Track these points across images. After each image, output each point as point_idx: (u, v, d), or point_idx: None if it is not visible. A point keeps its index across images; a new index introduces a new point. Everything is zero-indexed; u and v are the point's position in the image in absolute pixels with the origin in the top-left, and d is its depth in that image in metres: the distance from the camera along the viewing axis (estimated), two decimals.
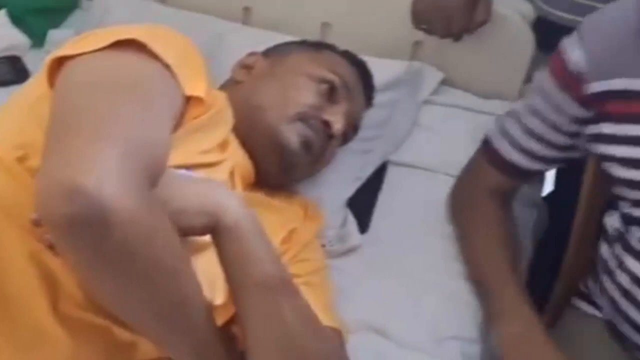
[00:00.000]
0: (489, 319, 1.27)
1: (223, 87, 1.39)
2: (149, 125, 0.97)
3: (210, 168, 1.14)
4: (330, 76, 1.34)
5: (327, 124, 1.30)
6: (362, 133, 1.48)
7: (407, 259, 1.39)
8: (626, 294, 1.20)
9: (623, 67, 1.14)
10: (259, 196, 1.28)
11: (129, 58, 1.06)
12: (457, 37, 1.53)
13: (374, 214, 1.48)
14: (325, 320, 1.13)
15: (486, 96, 1.60)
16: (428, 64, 1.64)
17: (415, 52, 1.64)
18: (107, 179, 0.85)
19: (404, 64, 1.61)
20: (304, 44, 1.46)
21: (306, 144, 1.29)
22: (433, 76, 1.63)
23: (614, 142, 1.18)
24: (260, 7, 1.74)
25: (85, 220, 0.83)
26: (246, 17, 1.75)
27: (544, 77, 1.25)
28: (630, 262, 1.20)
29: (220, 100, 1.22)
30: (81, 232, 0.84)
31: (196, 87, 1.11)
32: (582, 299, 1.37)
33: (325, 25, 1.69)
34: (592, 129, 1.20)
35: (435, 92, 1.63)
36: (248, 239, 0.99)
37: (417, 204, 1.47)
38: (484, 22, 1.50)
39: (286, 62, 1.37)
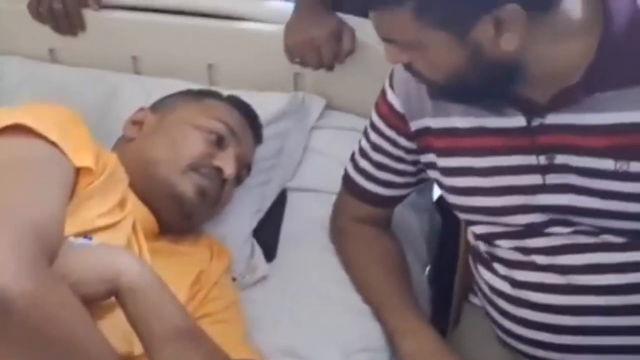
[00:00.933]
0: (389, 337, 1.37)
1: (116, 146, 1.46)
2: (40, 204, 1.04)
3: (111, 229, 1.21)
4: (216, 124, 1.41)
5: (219, 170, 1.39)
6: (259, 165, 1.58)
7: (313, 280, 1.48)
8: (489, 301, 1.33)
9: (426, 108, 1.27)
10: (164, 245, 1.36)
11: (15, 142, 1.13)
12: (329, 67, 1.63)
13: (280, 240, 1.58)
14: (241, 353, 1.23)
15: (368, 116, 1.71)
16: (311, 92, 1.74)
17: (297, 82, 1.75)
18: (3, 266, 0.91)
19: (288, 95, 1.71)
20: (188, 94, 1.53)
21: (201, 192, 1.37)
22: (317, 103, 1.74)
23: (439, 172, 1.30)
24: (147, 55, 1.82)
25: None
26: (136, 66, 1.83)
27: (375, 117, 1.38)
28: (485, 273, 1.32)
29: (112, 161, 1.29)
30: None
31: (84, 157, 1.18)
32: (475, 293, 1.47)
33: (210, 67, 1.78)
34: (423, 158, 1.33)
35: (321, 117, 1.74)
36: (150, 298, 1.08)
37: (317, 226, 1.56)
38: (350, 52, 1.61)
39: (173, 115, 1.44)
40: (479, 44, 1.06)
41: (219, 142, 1.41)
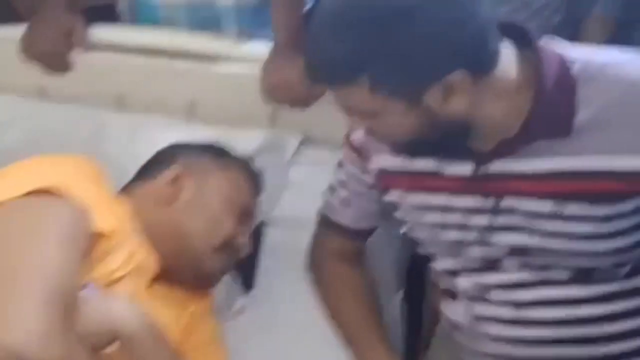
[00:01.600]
0: None
1: (129, 190, 1.49)
2: (68, 270, 1.12)
3: (118, 282, 1.29)
4: (245, 203, 1.49)
5: (238, 248, 1.47)
6: None
7: (290, 311, 1.57)
8: (450, 332, 1.43)
9: (386, 149, 1.35)
10: (161, 290, 1.42)
11: (41, 204, 1.20)
12: (304, 106, 1.73)
13: (258, 272, 1.66)
14: None
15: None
16: (287, 127, 1.83)
17: (274, 118, 1.84)
18: (34, 333, 1.01)
19: (265, 131, 1.80)
20: (213, 153, 1.54)
21: (224, 271, 1.48)
22: (293, 138, 1.83)
23: (401, 207, 1.40)
24: (132, 92, 1.91)
25: None
26: (121, 102, 1.92)
27: (343, 155, 1.48)
28: (445, 306, 1.42)
29: (126, 218, 1.36)
30: None
31: (104, 221, 1.26)
32: None
33: (191, 104, 1.88)
34: (386, 197, 1.43)
35: (298, 151, 1.83)
36: (146, 343, 1.18)
37: (295, 258, 1.63)
38: (324, 91, 1.66)
39: (210, 187, 1.47)
40: (430, 108, 1.16)
41: (243, 219, 1.49)
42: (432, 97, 1.15)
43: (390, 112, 1.18)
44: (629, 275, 1.28)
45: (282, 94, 1.73)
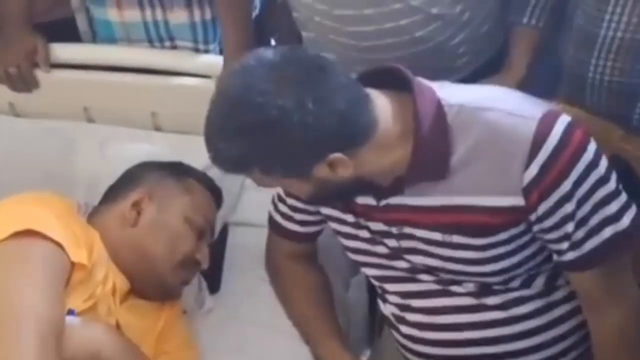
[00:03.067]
0: None
1: (97, 218, 1.60)
2: (57, 305, 1.28)
3: (94, 308, 1.43)
4: (202, 221, 1.62)
5: (198, 262, 1.61)
6: None
7: (252, 308, 1.71)
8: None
9: None
10: (134, 304, 1.56)
11: (26, 245, 1.35)
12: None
13: (224, 272, 1.80)
14: None
15: None
16: None
17: None
18: None
19: None
20: (174, 173, 1.68)
21: (184, 283, 1.62)
22: None
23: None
24: (98, 106, 2.03)
25: None
26: (88, 115, 2.05)
27: None
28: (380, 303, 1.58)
29: (96, 242, 1.49)
30: None
31: (80, 255, 1.40)
32: None
33: (154, 114, 2.00)
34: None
35: None
36: None
37: (256, 258, 1.77)
38: None
39: (171, 209, 1.61)
40: (322, 178, 1.31)
41: (200, 236, 1.62)
42: (320, 172, 1.30)
43: (289, 185, 1.38)
44: (522, 286, 1.43)
45: None
